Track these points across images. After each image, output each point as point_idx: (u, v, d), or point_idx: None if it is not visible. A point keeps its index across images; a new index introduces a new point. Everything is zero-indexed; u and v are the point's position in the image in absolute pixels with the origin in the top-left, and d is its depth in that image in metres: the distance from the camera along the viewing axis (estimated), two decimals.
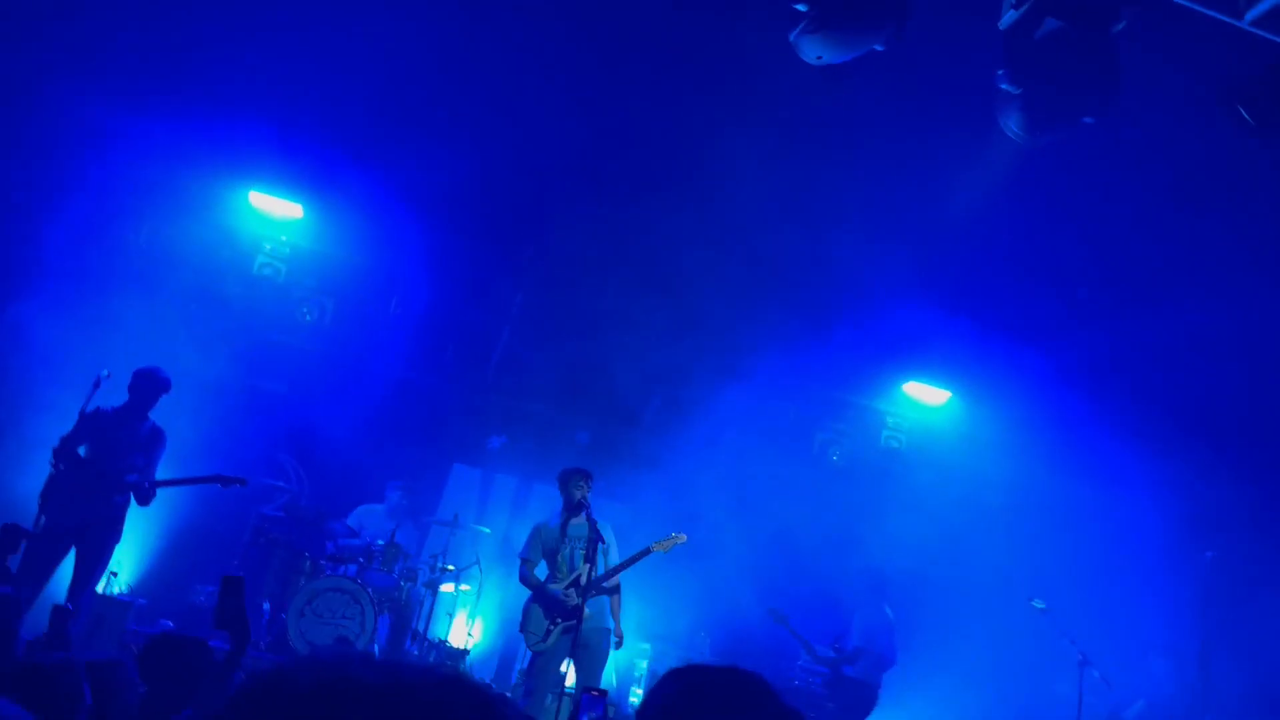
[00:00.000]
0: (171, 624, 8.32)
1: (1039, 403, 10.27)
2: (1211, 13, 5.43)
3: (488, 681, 8.03)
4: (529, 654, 7.64)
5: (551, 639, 7.43)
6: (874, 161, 8.16)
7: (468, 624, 9.56)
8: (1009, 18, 5.63)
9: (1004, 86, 5.66)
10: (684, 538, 7.67)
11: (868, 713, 9.20)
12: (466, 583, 9.53)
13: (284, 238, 10.04)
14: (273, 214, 9.90)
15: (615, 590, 7.62)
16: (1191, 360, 9.27)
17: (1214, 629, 9.62)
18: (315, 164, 9.15)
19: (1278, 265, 7.70)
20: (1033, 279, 9.30)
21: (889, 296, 9.32)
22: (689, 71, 7.64)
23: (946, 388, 11.38)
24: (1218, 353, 9.13)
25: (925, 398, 11.56)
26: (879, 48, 5.51)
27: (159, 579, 9.14)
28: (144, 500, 7.23)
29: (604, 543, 7.50)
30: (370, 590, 8.34)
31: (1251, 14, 5.30)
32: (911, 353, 10.60)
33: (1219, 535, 10.07)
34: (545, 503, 9.47)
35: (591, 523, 7.44)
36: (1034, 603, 9.03)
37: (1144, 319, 9.00)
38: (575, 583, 7.49)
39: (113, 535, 7.22)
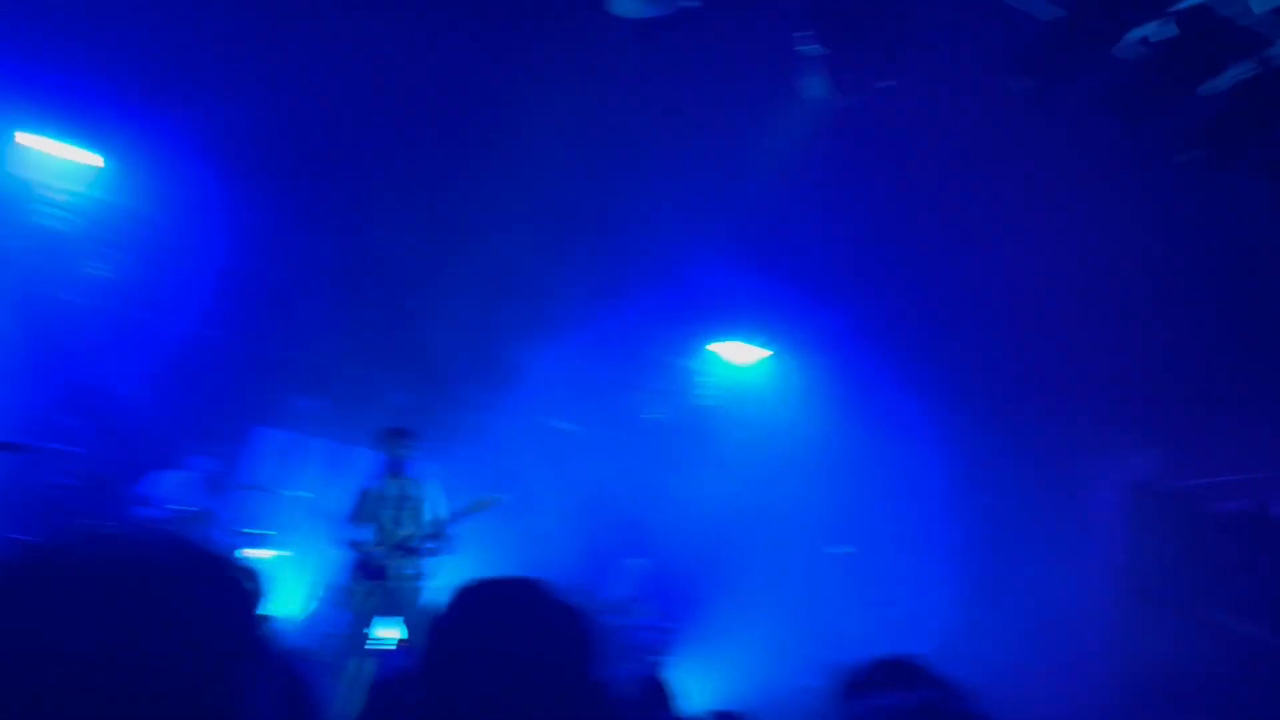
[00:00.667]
0: None
1: (841, 359, 10.83)
2: None
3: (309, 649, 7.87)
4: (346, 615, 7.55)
5: (358, 599, 7.38)
6: (687, 121, 8.31)
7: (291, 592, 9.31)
8: None
9: (806, 49, 5.91)
10: (498, 499, 7.72)
11: None
12: (283, 549, 9.26)
13: (74, 187, 9.32)
14: (59, 159, 9.18)
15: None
16: (974, 318, 9.94)
17: (986, 568, 10.45)
18: (108, 111, 8.55)
19: (1049, 227, 8.37)
20: (840, 239, 9.72)
21: (700, 255, 9.56)
22: (494, 17, 7.57)
23: (759, 345, 11.83)
24: (998, 311, 9.85)
25: (736, 357, 11.98)
26: (693, 4, 5.65)
27: None
28: None
29: (422, 500, 7.49)
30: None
31: None
32: (723, 311, 10.94)
33: (996, 481, 10.94)
34: (363, 466, 9.29)
35: (410, 481, 7.40)
36: (837, 549, 9.60)
37: (933, 278, 9.60)
38: (401, 545, 7.47)
39: None
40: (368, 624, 7.31)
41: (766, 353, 11.84)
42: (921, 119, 7.31)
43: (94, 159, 9.21)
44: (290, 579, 9.42)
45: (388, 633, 7.40)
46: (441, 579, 9.15)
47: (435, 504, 7.69)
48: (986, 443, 10.64)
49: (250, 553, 8.94)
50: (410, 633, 7.33)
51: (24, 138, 9.02)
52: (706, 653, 10.32)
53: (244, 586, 1.03)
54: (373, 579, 7.41)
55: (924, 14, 5.90)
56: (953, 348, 10.06)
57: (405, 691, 2.80)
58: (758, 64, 7.09)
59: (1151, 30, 5.75)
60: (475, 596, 1.94)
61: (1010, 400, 10.53)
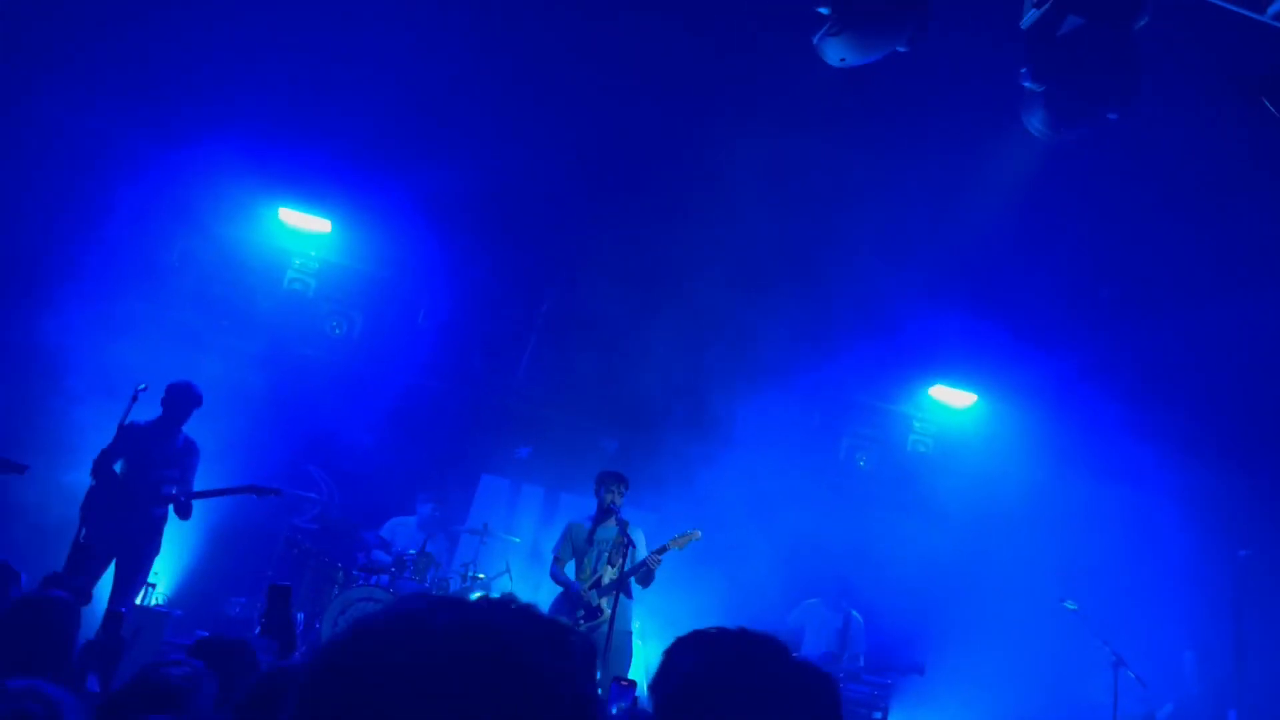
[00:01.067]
0: (207, 635, 8.38)
1: (1063, 405, 10.27)
2: (1234, 8, 5.47)
3: None
4: None
5: None
6: (896, 164, 8.21)
7: None
8: (1031, 16, 5.69)
9: (1027, 84, 5.71)
10: (698, 534, 7.73)
11: None
12: (497, 591, 9.57)
13: (313, 252, 10.20)
14: (302, 229, 10.06)
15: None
16: (1216, 360, 9.25)
17: (1248, 627, 9.56)
18: (342, 179, 9.28)
19: None
20: (1056, 280, 9.31)
21: (913, 300, 9.35)
22: (707, 75, 7.71)
23: (972, 390, 11.39)
24: (1242, 352, 9.11)
25: (951, 401, 11.57)
26: (901, 49, 5.58)
27: (194, 591, 9.23)
28: (183, 513, 7.32)
29: (633, 546, 7.57)
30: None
31: (1274, 8, 5.34)
32: (936, 356, 10.62)
33: (1251, 534, 10.03)
34: (572, 512, 9.52)
35: (622, 525, 7.51)
36: (1065, 604, 9.00)
37: (1167, 319, 9.00)
38: (596, 584, 7.60)
39: (151, 547, 7.33)
40: None
41: (984, 397, 11.38)
42: (1155, 150, 6.90)
43: (323, 224, 9.99)
44: None
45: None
46: (651, 622, 9.26)
47: (642, 549, 7.79)
48: (1240, 492, 9.78)
49: (477, 594, 9.31)
50: (619, 673, 7.39)
51: (286, 213, 9.90)
52: (927, 708, 9.91)
53: (585, 655, 1.05)
54: (584, 619, 7.54)
55: (1157, 37, 5.59)
56: (1196, 391, 9.34)
57: None
58: (973, 101, 6.92)
59: None
60: (717, 647, 1.87)
61: (1256, 449, 9.66)
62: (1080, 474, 10.65)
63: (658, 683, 1.87)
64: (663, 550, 7.62)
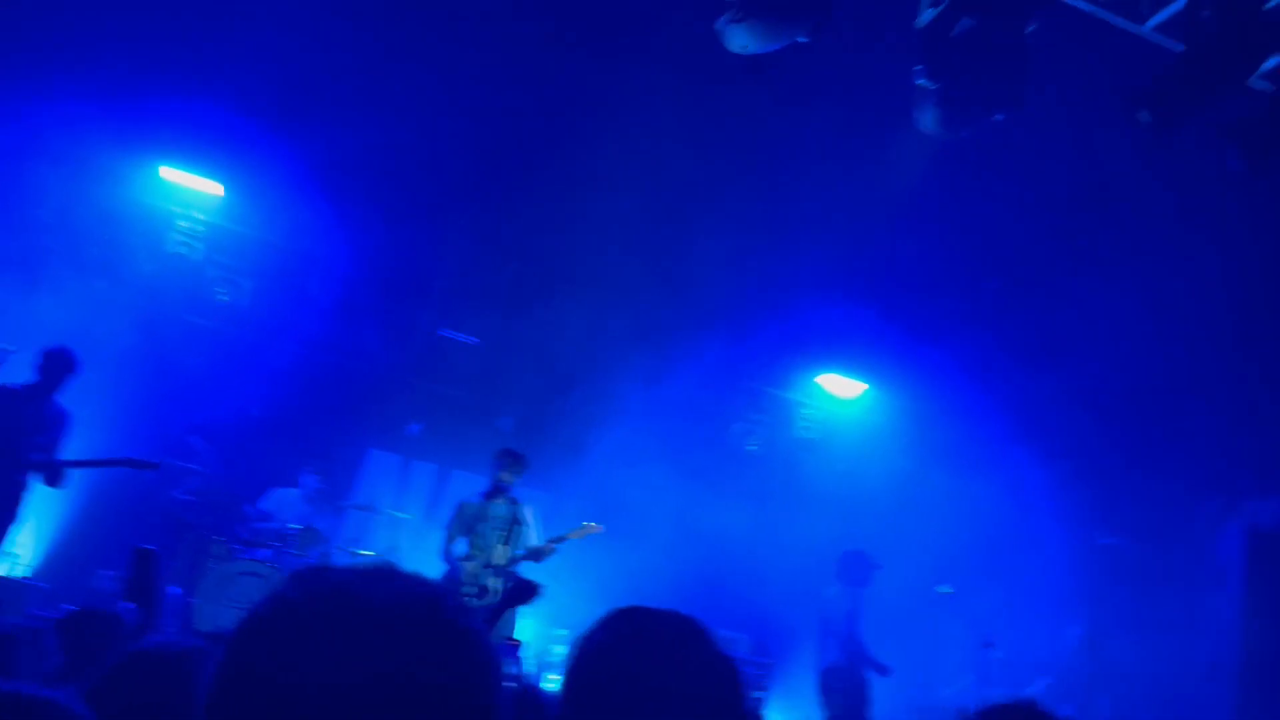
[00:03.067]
0: (73, 609, 8.07)
1: (945, 396, 10.63)
2: (1116, 20, 5.73)
3: None
4: None
5: None
6: (793, 153, 8.34)
7: None
8: (926, 16, 5.86)
9: (921, 82, 5.88)
10: (598, 527, 7.78)
11: None
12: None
13: (200, 215, 9.83)
14: (188, 188, 9.68)
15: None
16: (1087, 354, 9.66)
17: (1108, 612, 10.07)
18: (233, 140, 8.97)
19: (1167, 262, 8.10)
20: (941, 274, 9.60)
21: (805, 289, 9.52)
22: (611, 46, 7.70)
23: (860, 380, 11.69)
24: (1114, 349, 9.54)
25: (839, 390, 11.85)
26: (803, 39, 5.67)
27: (60, 563, 8.85)
28: (54, 481, 7.00)
29: (523, 524, 7.58)
30: (285, 574, 8.21)
31: (1153, 21, 5.61)
32: (826, 345, 10.86)
33: (1112, 525, 10.55)
34: (464, 489, 9.45)
35: (512, 503, 7.51)
36: (940, 589, 9.34)
37: (1044, 313, 9.37)
38: (489, 563, 7.59)
39: (9, 516, 6.99)
40: None
41: (872, 387, 11.69)
42: (1036, 152, 7.18)
43: (215, 187, 9.66)
44: None
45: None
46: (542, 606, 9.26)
47: (533, 528, 7.80)
48: (1103, 485, 10.28)
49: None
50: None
51: (167, 171, 9.52)
52: (802, 688, 10.16)
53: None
54: (472, 596, 7.51)
55: (1043, 45, 5.81)
56: (1068, 384, 9.76)
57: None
58: (867, 98, 7.08)
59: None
60: (629, 623, 1.89)
61: (1126, 442, 10.16)
62: (959, 464, 11.03)
63: (579, 646, 1.86)
64: (560, 539, 7.65)
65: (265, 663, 0.98)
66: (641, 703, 1.73)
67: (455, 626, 1.05)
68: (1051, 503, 10.74)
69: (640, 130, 8.04)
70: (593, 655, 1.84)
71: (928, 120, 6.04)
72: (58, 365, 7.08)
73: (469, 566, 7.63)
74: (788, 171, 8.39)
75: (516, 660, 4.65)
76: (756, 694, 9.38)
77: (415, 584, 1.07)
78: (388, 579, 1.06)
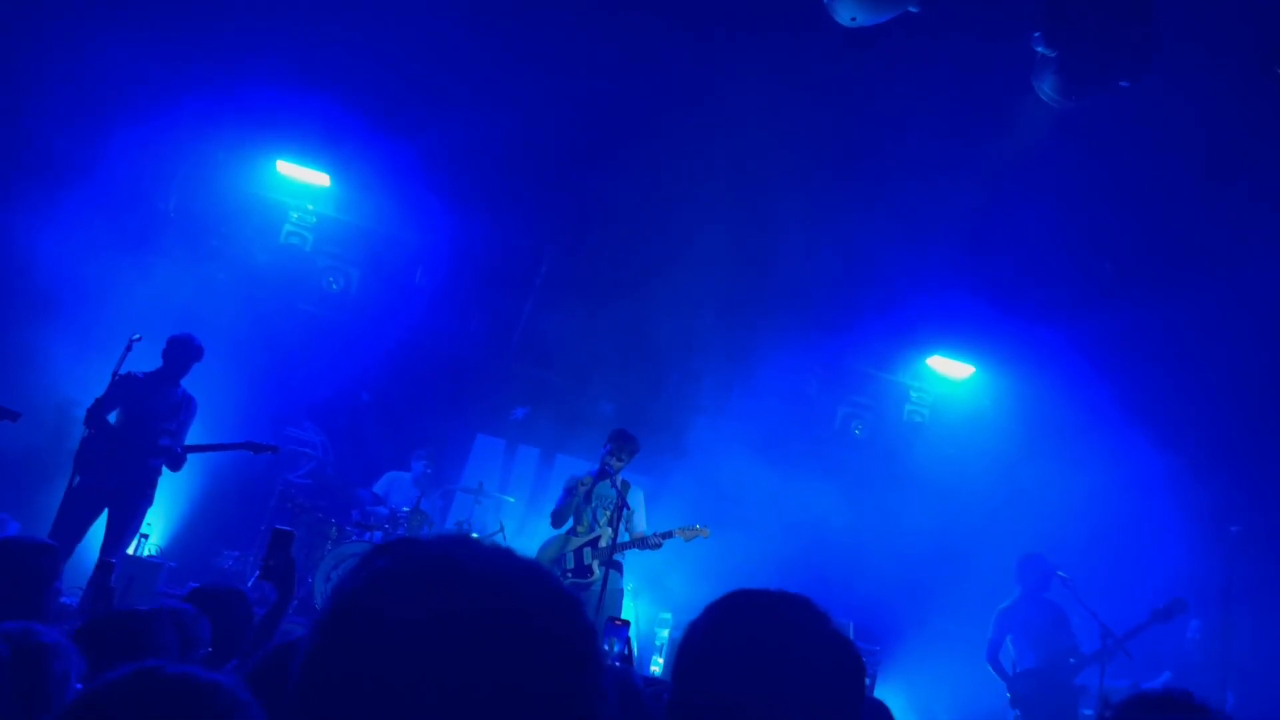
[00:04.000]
0: (207, 587, 8.40)
1: (1059, 378, 10.25)
2: None
3: None
4: None
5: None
6: (899, 133, 8.12)
7: None
8: None
9: (1040, 49, 5.65)
10: (706, 532, 7.73)
11: None
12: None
13: (310, 206, 10.11)
14: (300, 181, 9.96)
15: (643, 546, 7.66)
16: (1216, 336, 9.21)
17: (1238, 602, 9.60)
18: (342, 133, 9.18)
19: None
20: (1058, 253, 9.25)
21: (913, 269, 9.29)
22: (715, 34, 7.60)
23: (970, 362, 11.37)
24: (1242, 329, 9.07)
25: (948, 371, 11.55)
26: (913, 8, 5.51)
27: (187, 543, 9.23)
28: (176, 466, 7.29)
29: (629, 509, 7.57)
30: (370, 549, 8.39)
31: None
32: (935, 327, 10.59)
33: (1242, 512, 10.04)
34: (568, 474, 9.52)
35: (622, 485, 7.50)
36: (1057, 574, 9.02)
37: (1170, 295, 8.94)
38: (593, 542, 7.60)
39: (145, 498, 7.29)
40: None
41: (981, 369, 11.37)
42: (1164, 120, 6.82)
43: (322, 178, 9.90)
44: None
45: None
46: (646, 590, 9.28)
47: (641, 514, 7.78)
48: (1233, 471, 9.78)
49: None
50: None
51: (284, 165, 9.80)
52: (913, 675, 9.97)
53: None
54: (573, 574, 7.54)
55: (1171, 2, 5.51)
56: (1194, 368, 9.31)
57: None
58: (981, 68, 6.84)
59: None
60: (748, 604, 1.86)
61: (1262, 429, 9.65)
62: (1072, 448, 10.65)
63: (690, 630, 1.83)
64: (668, 535, 7.62)
65: (367, 632, 0.97)
66: (763, 682, 1.69)
67: (556, 593, 1.04)
68: (1173, 491, 10.27)
69: (741, 114, 7.95)
70: (711, 635, 1.81)
71: (1047, 89, 5.81)
72: (183, 352, 7.36)
73: (573, 542, 7.66)
74: (894, 151, 8.18)
75: (625, 640, 4.64)
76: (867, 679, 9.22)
77: (508, 553, 1.06)
78: (476, 547, 1.05)
